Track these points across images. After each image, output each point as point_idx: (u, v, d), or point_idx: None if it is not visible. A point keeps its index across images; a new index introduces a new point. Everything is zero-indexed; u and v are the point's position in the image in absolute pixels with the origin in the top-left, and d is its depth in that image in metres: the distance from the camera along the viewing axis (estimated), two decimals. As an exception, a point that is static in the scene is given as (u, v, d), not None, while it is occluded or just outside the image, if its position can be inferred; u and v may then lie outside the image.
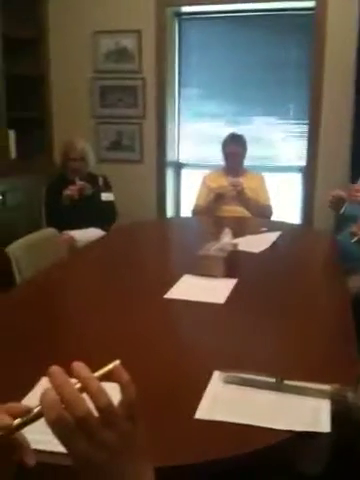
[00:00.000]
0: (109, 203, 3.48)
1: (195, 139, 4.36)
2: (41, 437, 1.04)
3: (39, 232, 2.66)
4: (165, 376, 1.34)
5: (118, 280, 2.19)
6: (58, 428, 0.56)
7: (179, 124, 4.36)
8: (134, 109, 4.19)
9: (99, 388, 0.57)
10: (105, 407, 0.57)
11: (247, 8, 3.99)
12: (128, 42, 4.10)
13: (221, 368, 1.32)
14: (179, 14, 4.19)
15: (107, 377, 0.59)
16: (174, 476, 1.01)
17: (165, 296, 1.89)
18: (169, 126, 4.25)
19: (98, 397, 0.57)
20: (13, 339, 1.54)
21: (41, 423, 0.57)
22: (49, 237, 2.62)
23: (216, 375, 1.31)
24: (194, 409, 1.16)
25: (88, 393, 0.57)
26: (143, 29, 4.06)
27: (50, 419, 0.56)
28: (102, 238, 3.07)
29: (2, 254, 2.31)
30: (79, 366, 0.59)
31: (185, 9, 4.14)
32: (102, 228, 3.36)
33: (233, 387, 1.26)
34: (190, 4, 4.06)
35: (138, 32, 4.07)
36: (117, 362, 0.62)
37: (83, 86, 4.24)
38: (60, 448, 0.57)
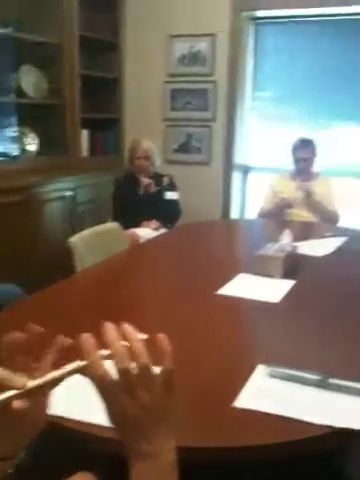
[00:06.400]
0: (173, 202, 3.53)
1: (267, 142, 4.31)
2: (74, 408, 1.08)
3: (102, 226, 2.73)
4: (210, 365, 1.35)
5: (174, 274, 2.21)
6: (104, 381, 0.62)
7: (249, 127, 4.32)
8: (204, 112, 4.22)
9: (142, 348, 0.63)
10: (144, 366, 0.62)
11: (325, 13, 3.90)
12: (202, 46, 4.15)
13: (266, 362, 1.29)
14: (255, 18, 4.16)
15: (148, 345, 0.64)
16: (204, 458, 1.01)
17: (218, 292, 1.89)
18: (239, 129, 4.23)
19: (140, 356, 0.62)
20: (68, 322, 1.59)
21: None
22: (111, 231, 2.68)
23: (260, 368, 1.29)
24: (234, 398, 1.15)
25: (132, 351, 0.62)
26: (217, 33, 4.09)
27: (100, 372, 0.61)
28: (164, 235, 3.12)
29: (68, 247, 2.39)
30: (128, 328, 0.65)
31: (261, 14, 4.11)
32: (165, 226, 3.41)
33: (276, 381, 1.24)
34: (266, 8, 4.03)
35: (212, 36, 4.10)
36: (145, 336, 0.66)
37: (155, 89, 4.33)
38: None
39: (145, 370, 0.62)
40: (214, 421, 1.10)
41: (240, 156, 4.32)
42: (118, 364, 0.61)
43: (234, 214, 4.36)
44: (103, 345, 0.63)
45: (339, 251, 2.56)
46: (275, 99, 4.23)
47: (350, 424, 1.05)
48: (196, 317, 1.69)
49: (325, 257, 2.45)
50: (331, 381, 1.19)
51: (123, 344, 0.63)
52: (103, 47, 4.20)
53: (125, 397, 0.62)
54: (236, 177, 4.34)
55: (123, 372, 0.61)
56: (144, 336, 0.66)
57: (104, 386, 0.62)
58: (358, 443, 1.30)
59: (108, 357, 0.62)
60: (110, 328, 0.64)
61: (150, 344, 0.65)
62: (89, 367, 0.62)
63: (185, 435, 1.01)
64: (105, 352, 0.63)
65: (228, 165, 4.26)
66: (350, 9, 3.79)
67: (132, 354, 0.62)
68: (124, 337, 0.64)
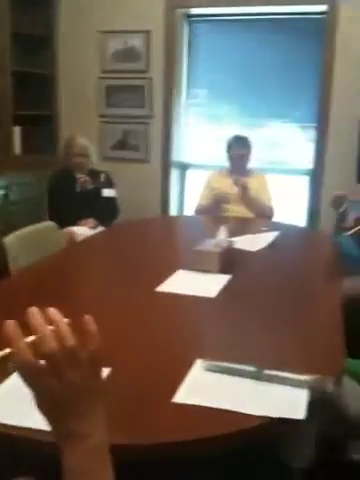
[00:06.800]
0: (110, 199, 3.51)
1: (203, 139, 4.37)
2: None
3: (37, 225, 2.67)
4: (149, 362, 1.36)
5: (113, 272, 2.20)
6: (30, 366, 0.62)
7: (186, 124, 4.36)
8: (140, 109, 4.22)
9: (68, 330, 0.64)
10: (72, 347, 0.63)
11: (258, 11, 3.99)
12: (136, 42, 4.13)
13: (204, 357, 1.32)
14: (189, 16, 4.20)
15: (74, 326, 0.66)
16: (145, 455, 1.02)
17: (157, 289, 1.91)
18: (176, 126, 4.26)
19: (67, 337, 0.63)
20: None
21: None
22: (47, 230, 2.63)
23: (198, 363, 1.31)
24: (173, 393, 1.17)
25: (59, 333, 0.63)
26: (152, 30, 4.09)
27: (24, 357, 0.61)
28: (102, 232, 3.09)
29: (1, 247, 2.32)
30: (53, 311, 0.66)
31: (195, 11, 4.16)
32: (103, 224, 3.38)
33: (214, 375, 1.27)
34: (200, 6, 4.07)
35: (147, 33, 4.09)
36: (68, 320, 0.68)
37: (90, 85, 4.28)
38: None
39: (72, 351, 0.63)
40: (154, 418, 1.11)
41: (178, 153, 4.35)
42: (45, 347, 0.62)
43: (173, 211, 4.39)
44: (30, 334, 0.63)
45: (272, 245, 2.64)
46: (210, 96, 4.29)
47: (286, 414, 1.10)
48: (135, 315, 1.69)
49: (259, 251, 2.52)
50: (266, 372, 1.23)
51: (49, 328, 0.63)
52: (37, 43, 4.10)
53: (53, 379, 0.63)
54: (174, 174, 4.37)
55: (50, 355, 0.62)
56: (67, 320, 0.67)
57: (31, 371, 0.62)
58: (296, 432, 1.36)
59: (34, 342, 0.63)
60: (35, 313, 0.64)
61: (76, 327, 0.66)
62: (14, 354, 0.61)
63: (124, 433, 1.02)
64: (31, 338, 0.63)
65: (166, 162, 4.28)
66: (282, 8, 3.90)
67: (58, 337, 0.63)
68: (49, 321, 0.64)
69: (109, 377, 1.21)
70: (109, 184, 3.56)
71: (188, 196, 4.45)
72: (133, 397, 1.17)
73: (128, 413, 1.11)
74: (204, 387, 1.21)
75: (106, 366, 1.23)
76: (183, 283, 1.98)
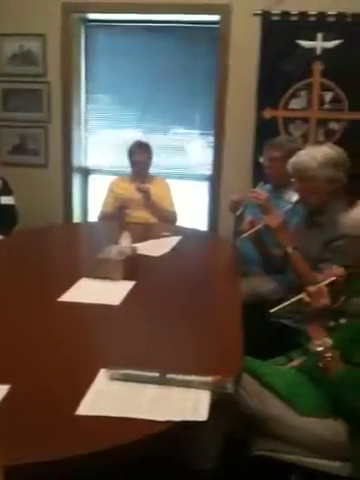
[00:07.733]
0: (8, 207, 3.39)
1: (104, 145, 4.35)
2: None
3: None
4: (51, 375, 1.34)
5: (12, 283, 2.13)
6: None
7: (86, 129, 4.32)
8: (39, 113, 4.11)
9: None
10: None
11: (155, 19, 4.04)
12: (32, 45, 4.03)
13: (108, 366, 1.32)
14: (87, 20, 4.17)
15: None
16: (49, 471, 1.01)
17: (59, 299, 1.88)
18: (76, 131, 4.21)
19: None
20: None
21: None
22: None
23: (102, 372, 1.31)
24: (77, 406, 1.16)
25: None
26: (48, 33, 4.00)
27: None
28: (0, 242, 2.98)
29: None
30: None
31: (92, 16, 4.13)
32: (1, 233, 3.25)
33: (118, 383, 1.28)
34: (96, 12, 4.06)
35: (43, 36, 4.00)
36: None
37: (-15, 88, 4.10)
38: None
39: None
40: (57, 433, 1.09)
41: (79, 158, 4.29)
42: None
43: (76, 218, 4.32)
44: None
45: (175, 250, 2.69)
46: (112, 102, 4.28)
47: (189, 416, 1.13)
48: (37, 327, 1.66)
49: (162, 256, 2.56)
50: (169, 376, 1.27)
51: None
52: None
53: None
54: (76, 179, 4.31)
55: None
56: None
57: None
58: (199, 434, 1.41)
59: None
60: None
61: None
62: None
63: (25, 451, 1.00)
64: None
65: (67, 167, 4.20)
66: (177, 17, 3.98)
67: None
68: None
69: (9, 393, 1.18)
70: (6, 191, 3.44)
71: (92, 202, 4.41)
72: (35, 412, 1.15)
73: (29, 430, 1.09)
74: (108, 396, 1.22)
75: (5, 382, 1.20)
76: (86, 292, 1.97)
